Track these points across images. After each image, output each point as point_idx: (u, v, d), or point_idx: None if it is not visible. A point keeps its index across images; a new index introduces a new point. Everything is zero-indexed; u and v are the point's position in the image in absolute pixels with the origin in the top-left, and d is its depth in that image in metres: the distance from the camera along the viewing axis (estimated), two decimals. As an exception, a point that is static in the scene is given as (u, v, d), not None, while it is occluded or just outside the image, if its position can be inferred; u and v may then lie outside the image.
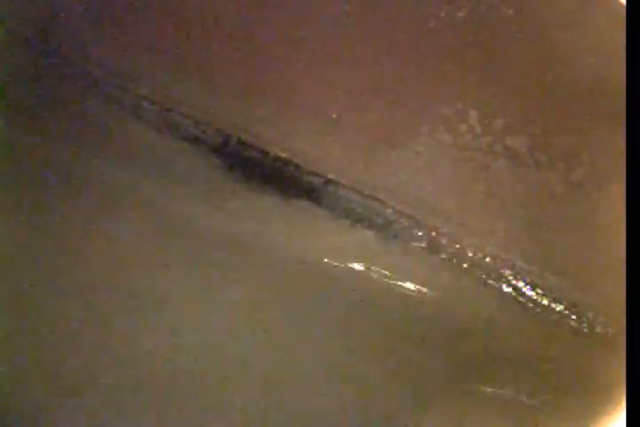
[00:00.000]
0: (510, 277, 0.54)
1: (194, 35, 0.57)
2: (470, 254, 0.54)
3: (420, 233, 0.54)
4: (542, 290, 0.54)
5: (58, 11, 0.57)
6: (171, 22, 0.57)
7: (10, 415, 0.52)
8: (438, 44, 0.56)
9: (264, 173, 0.55)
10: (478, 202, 0.55)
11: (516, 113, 0.55)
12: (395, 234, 0.54)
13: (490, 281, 0.54)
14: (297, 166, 0.55)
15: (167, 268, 0.54)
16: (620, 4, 0.56)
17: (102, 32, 0.57)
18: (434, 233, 0.54)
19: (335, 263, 0.54)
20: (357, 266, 0.54)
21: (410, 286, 0.54)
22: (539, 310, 0.54)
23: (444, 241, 0.54)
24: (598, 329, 0.54)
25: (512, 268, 0.54)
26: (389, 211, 0.55)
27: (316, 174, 0.55)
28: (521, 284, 0.54)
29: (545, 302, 0.54)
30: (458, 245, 0.54)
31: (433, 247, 0.54)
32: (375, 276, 0.54)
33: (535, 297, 0.54)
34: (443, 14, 0.56)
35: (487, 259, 0.54)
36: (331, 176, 0.55)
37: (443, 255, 0.54)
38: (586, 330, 0.54)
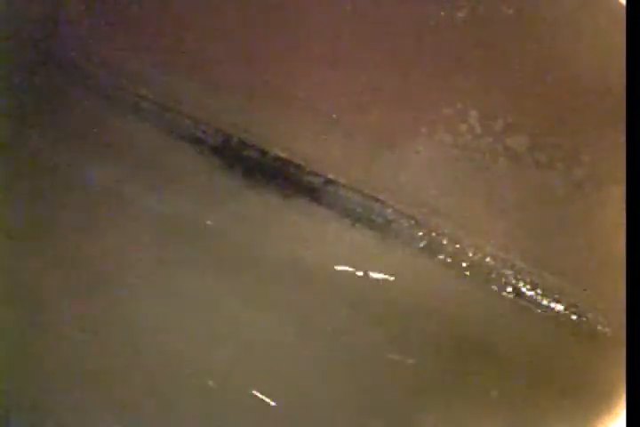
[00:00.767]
0: (510, 277, 0.54)
1: (194, 35, 0.57)
2: (470, 254, 0.54)
3: (420, 233, 0.54)
4: (542, 290, 0.54)
5: (59, 11, 0.57)
6: (171, 22, 0.57)
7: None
8: (438, 44, 0.56)
9: (264, 173, 0.55)
10: (478, 202, 0.55)
11: (515, 113, 0.55)
12: (395, 234, 0.54)
13: (490, 281, 0.54)
14: (297, 166, 0.55)
15: (166, 268, 0.54)
16: (620, 4, 0.56)
17: (103, 32, 0.57)
18: (434, 233, 0.54)
19: (335, 263, 0.54)
20: (357, 266, 0.54)
21: (409, 285, 0.54)
22: (539, 310, 0.54)
23: (444, 241, 0.54)
24: (598, 329, 0.54)
25: (512, 268, 0.54)
26: (389, 211, 0.55)
27: (316, 174, 0.55)
28: (521, 284, 0.54)
29: (545, 302, 0.54)
30: (458, 245, 0.54)
31: (433, 247, 0.54)
32: (375, 276, 0.54)
33: (535, 297, 0.54)
34: (443, 14, 0.56)
35: (487, 259, 0.54)
36: (331, 176, 0.55)
37: (443, 255, 0.54)
38: (586, 330, 0.54)
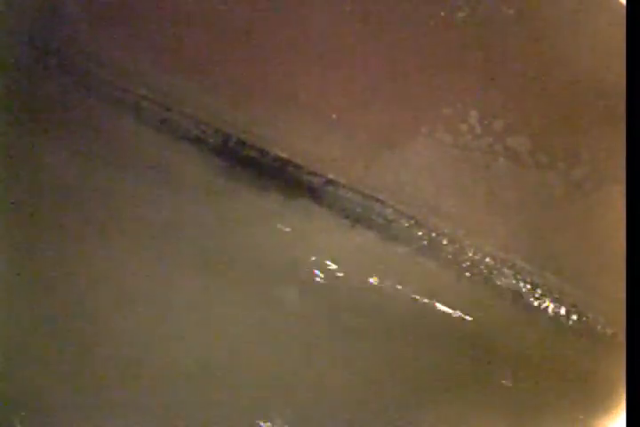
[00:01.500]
0: (510, 277, 0.54)
1: (194, 34, 0.57)
2: (470, 254, 0.54)
3: (420, 233, 0.54)
4: (542, 290, 0.54)
5: (58, 11, 0.57)
6: (171, 22, 0.57)
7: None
8: (438, 44, 0.56)
9: (264, 173, 0.55)
10: (478, 202, 0.55)
11: (516, 113, 0.55)
12: (395, 234, 0.54)
13: (490, 281, 0.54)
14: (297, 166, 0.55)
15: (165, 269, 0.54)
16: (620, 4, 0.56)
17: (103, 32, 0.57)
18: (434, 233, 0.54)
19: (335, 263, 0.54)
20: (357, 266, 0.54)
21: (409, 286, 0.54)
22: (539, 310, 0.54)
23: (444, 241, 0.54)
24: (598, 329, 0.54)
25: (512, 268, 0.54)
26: (389, 211, 0.55)
27: (316, 174, 0.55)
28: (521, 284, 0.54)
29: (545, 302, 0.54)
30: (458, 245, 0.54)
31: (433, 247, 0.54)
32: (375, 276, 0.54)
33: (535, 297, 0.54)
34: (443, 14, 0.56)
35: (487, 259, 0.54)
36: (331, 176, 0.55)
37: (443, 255, 0.54)
38: (586, 330, 0.54)
